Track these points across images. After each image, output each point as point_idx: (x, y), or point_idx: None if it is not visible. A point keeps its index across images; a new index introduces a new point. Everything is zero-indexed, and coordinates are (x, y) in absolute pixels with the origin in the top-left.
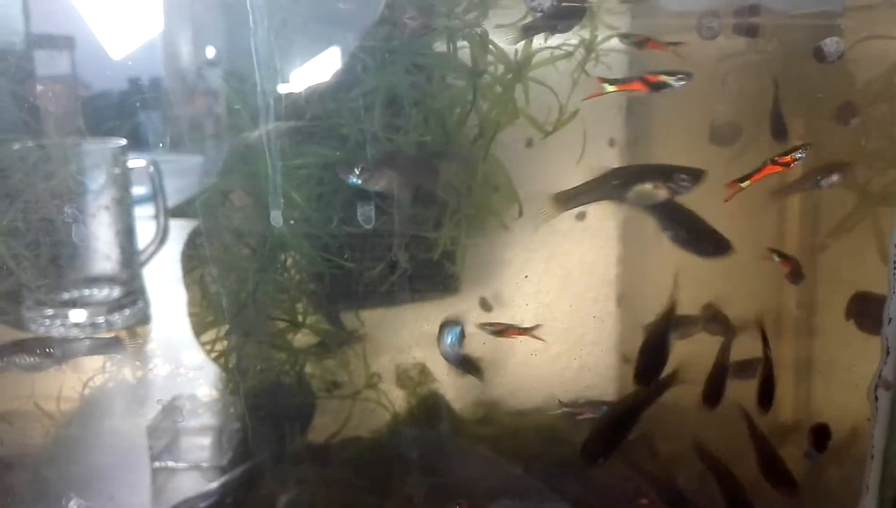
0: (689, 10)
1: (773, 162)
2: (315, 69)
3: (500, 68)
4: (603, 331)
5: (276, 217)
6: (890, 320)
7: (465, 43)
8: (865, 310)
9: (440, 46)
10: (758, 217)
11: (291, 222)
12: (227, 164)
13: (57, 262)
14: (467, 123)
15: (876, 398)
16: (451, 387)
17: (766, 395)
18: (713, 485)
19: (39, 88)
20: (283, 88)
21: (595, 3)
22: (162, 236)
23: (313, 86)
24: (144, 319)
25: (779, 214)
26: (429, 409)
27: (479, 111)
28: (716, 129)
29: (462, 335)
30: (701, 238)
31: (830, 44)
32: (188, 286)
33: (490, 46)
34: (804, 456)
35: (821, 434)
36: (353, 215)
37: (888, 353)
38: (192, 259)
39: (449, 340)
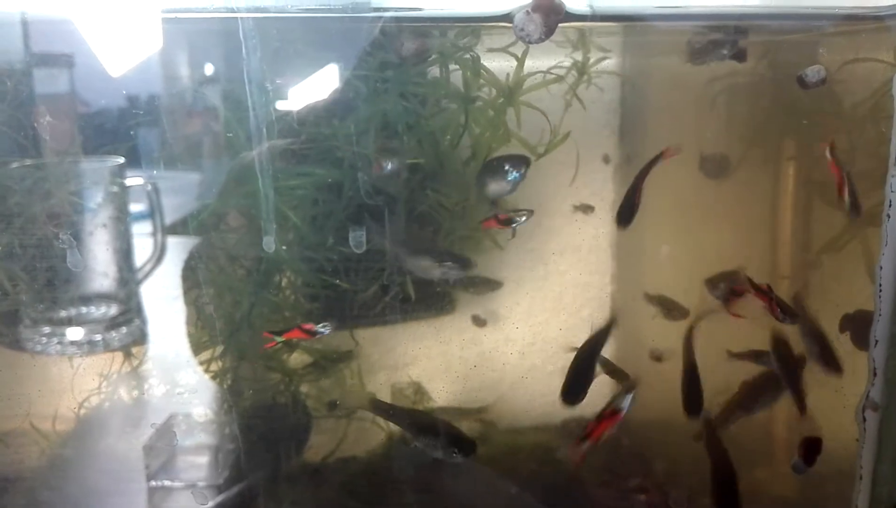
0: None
1: None
2: (309, 95)
3: (493, 92)
4: None
5: (269, 242)
6: (877, 341)
7: (457, 67)
8: (860, 326)
9: (433, 70)
10: (750, 235)
11: (284, 247)
12: (224, 186)
13: (54, 280)
14: (460, 145)
15: (864, 420)
16: (447, 406)
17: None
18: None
19: (38, 107)
20: (276, 114)
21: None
22: (159, 255)
23: (307, 111)
24: (141, 337)
25: (771, 234)
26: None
27: (471, 134)
28: (704, 160)
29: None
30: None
31: (811, 73)
32: (186, 305)
33: (482, 71)
34: (791, 467)
35: (811, 447)
36: (347, 236)
37: (875, 374)
38: (189, 279)
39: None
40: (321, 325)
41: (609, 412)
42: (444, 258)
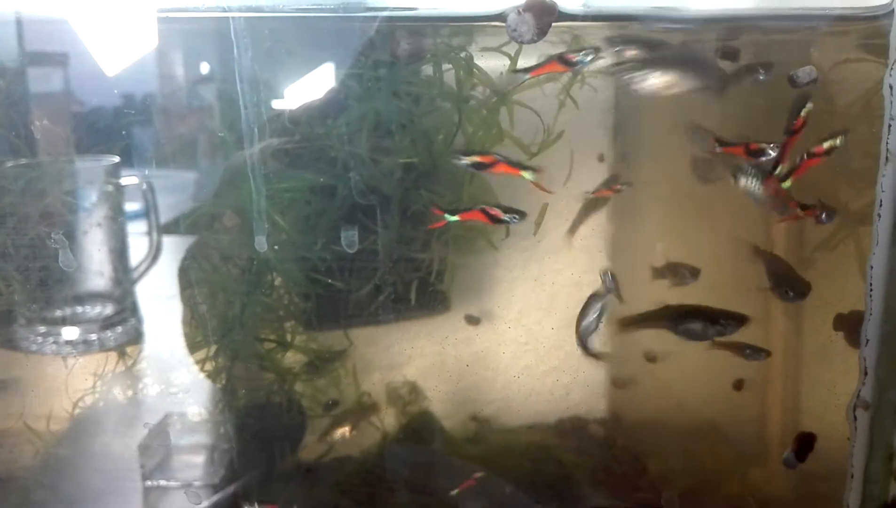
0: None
1: (811, 155)
2: (302, 94)
3: (486, 91)
4: None
5: (261, 242)
6: (868, 340)
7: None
8: (854, 325)
9: (427, 69)
10: (744, 235)
11: (276, 247)
12: (219, 186)
13: (48, 279)
14: (453, 145)
15: (855, 419)
16: (441, 405)
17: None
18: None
19: (33, 108)
20: (269, 113)
21: (581, 25)
22: (154, 254)
23: (300, 111)
24: (136, 337)
25: (765, 231)
26: (419, 427)
27: (465, 133)
28: (697, 161)
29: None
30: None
31: (803, 74)
32: (181, 304)
33: (475, 70)
34: (782, 462)
35: (804, 443)
36: (340, 236)
37: (866, 373)
38: (184, 278)
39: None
40: (509, 215)
41: (820, 150)
42: (719, 318)
